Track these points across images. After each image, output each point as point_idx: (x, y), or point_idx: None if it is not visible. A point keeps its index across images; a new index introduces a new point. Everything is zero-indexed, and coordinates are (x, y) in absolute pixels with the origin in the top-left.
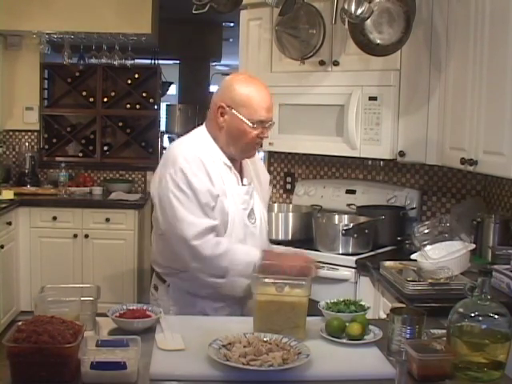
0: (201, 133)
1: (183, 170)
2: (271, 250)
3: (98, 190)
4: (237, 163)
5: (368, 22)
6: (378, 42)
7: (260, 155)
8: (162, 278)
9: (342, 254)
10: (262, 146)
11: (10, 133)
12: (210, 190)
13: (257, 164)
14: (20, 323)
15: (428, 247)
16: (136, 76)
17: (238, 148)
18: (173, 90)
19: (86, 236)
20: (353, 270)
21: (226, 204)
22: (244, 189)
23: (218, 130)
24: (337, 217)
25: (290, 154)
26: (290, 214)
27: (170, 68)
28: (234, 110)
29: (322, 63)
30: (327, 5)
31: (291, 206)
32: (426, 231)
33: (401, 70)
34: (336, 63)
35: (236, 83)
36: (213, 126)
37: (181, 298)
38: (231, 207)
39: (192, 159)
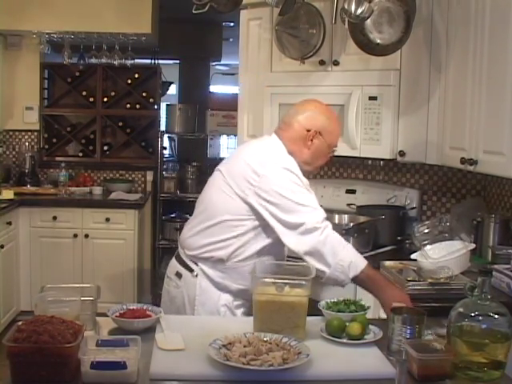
0: (277, 143)
1: (290, 169)
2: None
3: (98, 190)
4: None
5: (368, 21)
6: (378, 41)
7: None
8: (190, 266)
9: None
10: None
11: (10, 133)
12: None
13: None
14: (20, 323)
15: (428, 247)
16: (136, 76)
17: (314, 166)
18: (173, 89)
19: (86, 236)
20: None
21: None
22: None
23: (303, 149)
24: (337, 216)
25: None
26: None
27: (169, 68)
28: (322, 137)
29: (321, 63)
30: (327, 4)
31: None
32: (426, 231)
33: (401, 70)
34: (336, 63)
35: (324, 113)
36: (297, 144)
37: (208, 288)
38: None
39: (292, 166)
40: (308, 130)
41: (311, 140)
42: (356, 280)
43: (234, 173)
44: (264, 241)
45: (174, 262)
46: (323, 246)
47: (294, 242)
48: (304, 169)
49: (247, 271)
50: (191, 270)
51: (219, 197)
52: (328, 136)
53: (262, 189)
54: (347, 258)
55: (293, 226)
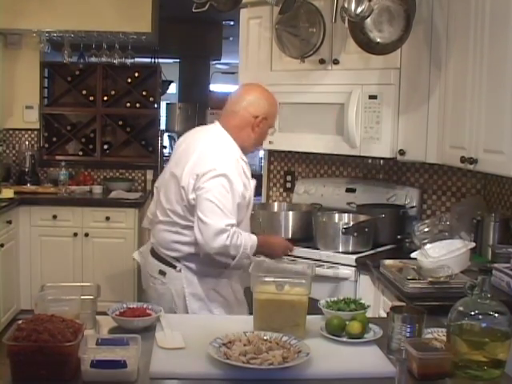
0: (223, 134)
1: (226, 175)
2: (257, 234)
3: (98, 189)
4: None
5: (368, 20)
6: (378, 40)
7: (260, 154)
8: (173, 263)
9: (342, 253)
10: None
11: (10, 131)
12: (243, 193)
13: None
14: (20, 322)
15: (428, 246)
16: (136, 75)
17: (257, 147)
18: (173, 88)
19: (86, 235)
20: (353, 268)
21: (249, 195)
22: (254, 181)
23: (250, 134)
24: (337, 215)
25: (290, 152)
26: (290, 213)
27: (169, 67)
28: (267, 121)
29: (321, 62)
30: (327, 3)
31: (291, 204)
32: (426, 230)
33: (401, 69)
34: (336, 62)
35: (267, 99)
36: (245, 130)
37: (193, 279)
38: (251, 197)
39: (233, 162)
40: (255, 117)
41: (258, 125)
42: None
43: (183, 176)
44: None
45: (153, 260)
46: (229, 247)
47: (205, 240)
48: (248, 150)
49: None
50: (174, 267)
51: (174, 200)
52: (271, 119)
53: (199, 188)
54: (247, 243)
55: (208, 227)
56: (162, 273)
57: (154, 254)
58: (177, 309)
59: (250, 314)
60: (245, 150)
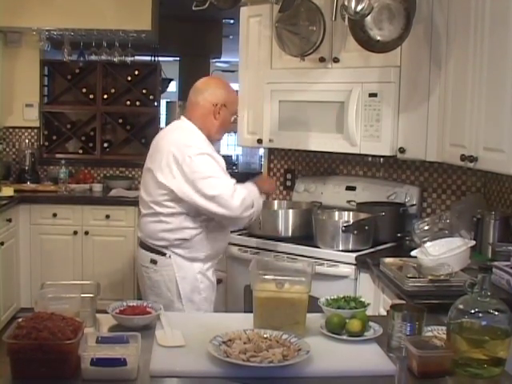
0: (190, 125)
1: (204, 153)
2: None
3: (97, 187)
4: None
5: (368, 18)
6: (378, 38)
7: (260, 152)
8: (162, 251)
9: (342, 251)
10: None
11: (10, 130)
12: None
13: None
14: (20, 320)
15: (428, 244)
16: (136, 73)
17: (222, 134)
18: (173, 86)
19: (86, 233)
20: (353, 266)
21: None
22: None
23: (213, 121)
24: (337, 213)
25: (289, 150)
26: (290, 211)
27: (170, 65)
28: (226, 108)
29: (322, 60)
30: (327, 1)
31: (291, 202)
32: (426, 228)
33: (401, 67)
34: (336, 60)
35: (224, 87)
36: (208, 118)
37: (182, 264)
38: None
39: (205, 143)
40: (215, 105)
41: (218, 112)
42: None
43: (158, 168)
44: (201, 216)
45: (143, 251)
46: (246, 199)
47: (228, 208)
48: (214, 138)
49: (205, 240)
50: (164, 254)
51: (154, 193)
52: (231, 106)
53: (183, 176)
54: (249, 187)
55: (220, 197)
56: (154, 261)
57: (144, 245)
58: (170, 293)
59: (250, 311)
60: (211, 138)
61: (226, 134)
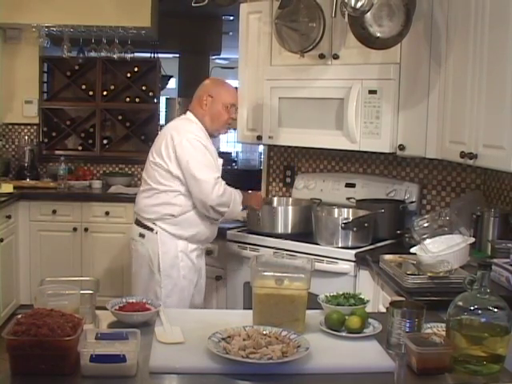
0: (191, 116)
1: (199, 140)
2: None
3: (97, 184)
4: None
5: (368, 15)
6: (378, 35)
7: (260, 148)
8: (150, 227)
9: (342, 248)
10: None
11: (10, 126)
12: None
13: None
14: (19, 316)
15: (427, 241)
16: (135, 69)
17: (218, 125)
18: (172, 83)
19: (86, 229)
20: (352, 263)
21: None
22: (221, 160)
23: (203, 112)
24: (336, 210)
25: (289, 147)
26: (290, 208)
27: (169, 61)
28: (212, 98)
29: (321, 56)
30: None
31: (291, 199)
32: (426, 225)
33: (401, 64)
34: (336, 56)
35: (213, 81)
36: (201, 109)
37: (167, 240)
38: (220, 171)
39: (201, 132)
40: (201, 96)
41: (205, 104)
42: None
43: (158, 151)
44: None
45: (135, 226)
46: (223, 196)
47: (205, 194)
48: (211, 130)
49: (192, 220)
50: (151, 230)
51: (152, 172)
52: (217, 96)
53: (178, 156)
54: (233, 190)
55: (202, 182)
56: (142, 235)
57: (136, 221)
58: (153, 267)
59: (250, 308)
60: (208, 131)
61: (227, 130)
